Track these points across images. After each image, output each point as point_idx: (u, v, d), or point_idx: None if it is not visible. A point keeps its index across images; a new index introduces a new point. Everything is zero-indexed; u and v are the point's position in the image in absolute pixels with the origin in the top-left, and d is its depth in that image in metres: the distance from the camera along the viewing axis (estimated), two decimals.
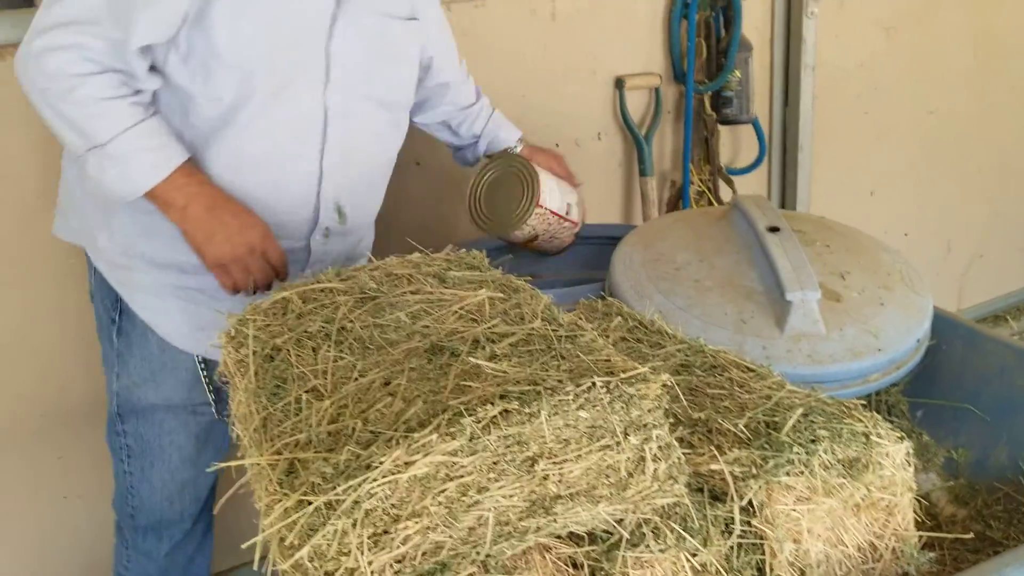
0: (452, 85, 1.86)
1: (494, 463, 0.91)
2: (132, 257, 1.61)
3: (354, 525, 0.85)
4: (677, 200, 2.56)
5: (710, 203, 2.54)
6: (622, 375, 0.96)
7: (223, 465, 1.07)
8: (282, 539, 0.86)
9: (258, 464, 0.97)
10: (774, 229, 1.64)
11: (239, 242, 1.53)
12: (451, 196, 2.33)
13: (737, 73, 2.50)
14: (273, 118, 1.54)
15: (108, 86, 1.44)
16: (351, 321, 1.23)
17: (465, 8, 2.25)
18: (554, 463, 0.93)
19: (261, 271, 1.57)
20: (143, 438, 1.73)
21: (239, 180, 1.57)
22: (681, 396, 1.07)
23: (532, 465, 0.92)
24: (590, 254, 2.22)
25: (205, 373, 1.69)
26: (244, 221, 1.55)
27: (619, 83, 2.45)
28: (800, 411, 1.11)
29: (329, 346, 1.18)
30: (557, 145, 2.41)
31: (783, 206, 2.72)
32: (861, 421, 1.13)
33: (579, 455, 0.94)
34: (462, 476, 0.90)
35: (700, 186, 2.55)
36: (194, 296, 1.63)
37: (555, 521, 0.93)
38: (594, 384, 0.95)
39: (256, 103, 1.52)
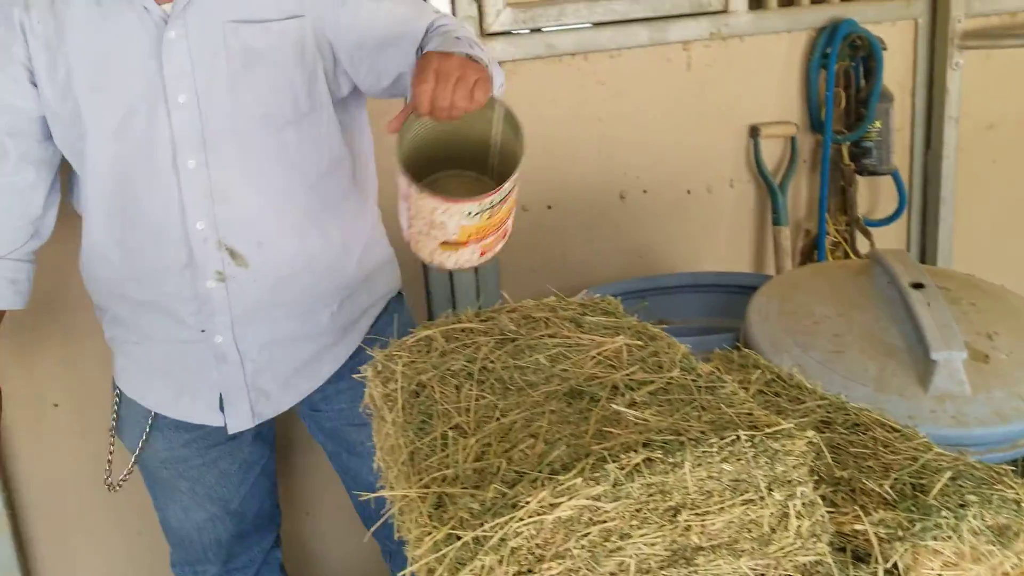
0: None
1: (637, 510, 0.92)
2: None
3: (501, 561, 0.87)
4: (811, 250, 2.52)
5: (846, 255, 2.49)
6: (767, 430, 0.96)
7: (370, 496, 1.11)
8: (431, 570, 0.89)
9: (407, 496, 1.01)
10: (918, 285, 1.61)
11: None
12: (582, 238, 2.36)
13: (877, 123, 2.45)
14: (116, 157, 1.45)
15: None
16: (492, 361, 1.27)
17: (600, 58, 2.30)
18: (696, 514, 0.93)
19: None
20: (149, 480, 1.73)
21: (112, 229, 1.50)
22: (826, 453, 1.06)
23: (675, 515, 0.93)
24: (719, 302, 2.21)
25: (115, 418, 1.65)
26: None
27: (754, 131, 2.44)
28: (948, 474, 1.08)
29: (471, 385, 1.21)
30: (689, 192, 2.42)
31: (923, 261, 2.64)
32: (1012, 488, 1.09)
33: (722, 507, 0.94)
34: (605, 521, 0.91)
35: (836, 237, 2.50)
36: (126, 342, 1.62)
37: (696, 572, 0.93)
38: (738, 437, 0.95)
39: (92, 145, 1.45)
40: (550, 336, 1.32)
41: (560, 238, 2.35)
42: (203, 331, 1.52)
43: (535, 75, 2.25)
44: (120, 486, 1.71)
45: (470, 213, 1.27)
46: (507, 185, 1.28)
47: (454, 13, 2.14)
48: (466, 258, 1.36)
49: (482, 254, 1.37)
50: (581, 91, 2.29)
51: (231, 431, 1.59)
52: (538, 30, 2.27)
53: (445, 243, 1.33)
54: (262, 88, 1.43)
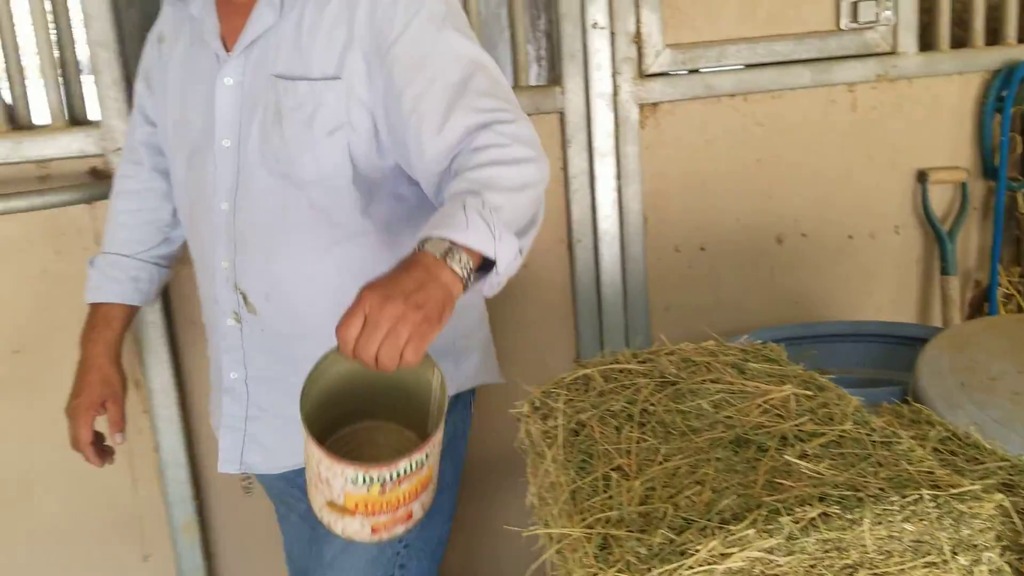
0: (434, 175, 1.31)
1: (811, 566, 0.89)
2: None
3: None
4: (981, 302, 2.39)
5: (1019, 308, 2.35)
6: (951, 490, 0.92)
7: (531, 532, 1.11)
8: None
9: (569, 535, 1.00)
10: None
11: (69, 400, 1.59)
12: (735, 281, 2.32)
13: None
14: (186, 187, 1.52)
15: (115, 207, 1.66)
16: (653, 404, 1.26)
17: (761, 99, 2.27)
18: (875, 574, 0.89)
19: (72, 438, 1.57)
20: None
21: (192, 250, 1.58)
22: (1015, 517, 0.99)
23: (851, 574, 0.89)
24: (882, 353, 2.12)
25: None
26: (77, 388, 1.59)
27: (922, 176, 2.35)
28: None
29: (632, 427, 1.21)
30: (851, 237, 2.35)
31: None
32: None
33: (902, 569, 0.90)
34: (777, 575, 0.88)
35: (1008, 289, 2.36)
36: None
37: None
38: (921, 497, 0.91)
39: (174, 173, 1.55)
40: (712, 381, 1.30)
41: (712, 280, 2.32)
42: (224, 364, 1.54)
43: (693, 116, 2.24)
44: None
45: (355, 480, 1.10)
46: (401, 465, 1.10)
47: (613, 55, 2.16)
48: (354, 530, 1.15)
49: (373, 532, 1.15)
50: (740, 132, 2.26)
51: (219, 470, 1.57)
52: (695, 71, 2.26)
53: (331, 503, 1.14)
54: (283, 146, 1.39)
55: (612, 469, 1.10)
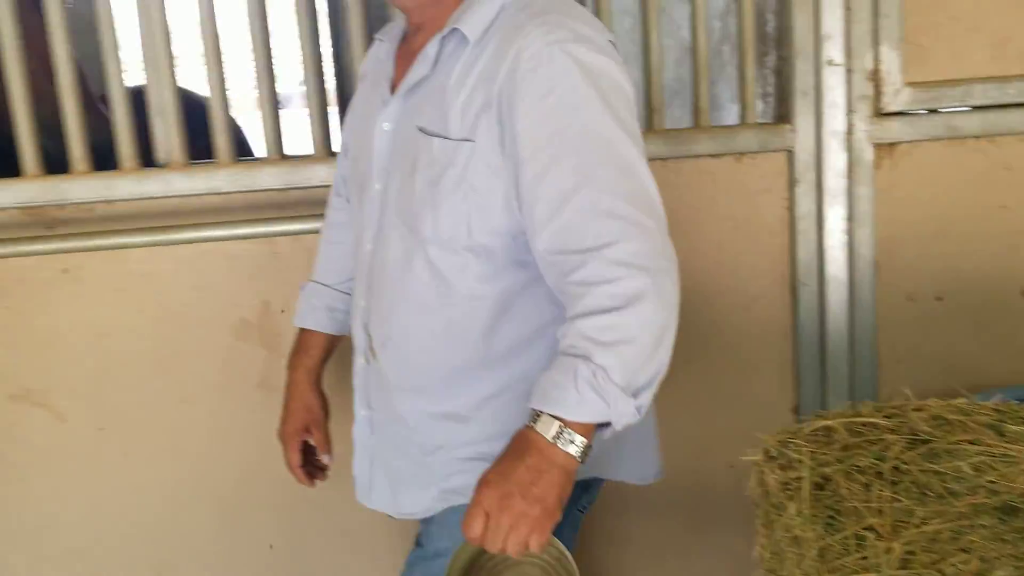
0: (542, 263, 1.27)
1: None
2: None
3: None
4: None
5: None
6: None
7: None
8: None
9: None
10: None
11: (280, 425, 1.65)
12: (973, 334, 2.18)
13: None
14: (355, 224, 1.54)
15: (322, 237, 1.74)
16: (904, 462, 1.20)
17: (1010, 141, 2.12)
18: None
19: (285, 461, 1.63)
20: None
21: None
22: None
23: None
24: None
25: None
26: (284, 413, 1.66)
27: None
28: None
29: (883, 485, 1.15)
30: None
31: None
32: None
33: None
34: None
35: None
36: None
37: None
38: None
39: (352, 207, 1.58)
40: (970, 442, 1.22)
41: (948, 333, 2.18)
42: (355, 400, 1.54)
43: (932, 158, 2.13)
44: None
45: None
46: None
47: (848, 93, 2.09)
48: None
49: None
50: (984, 176, 2.13)
51: (358, 498, 1.56)
52: (934, 110, 2.15)
53: None
54: (412, 198, 1.36)
55: (864, 528, 1.05)
